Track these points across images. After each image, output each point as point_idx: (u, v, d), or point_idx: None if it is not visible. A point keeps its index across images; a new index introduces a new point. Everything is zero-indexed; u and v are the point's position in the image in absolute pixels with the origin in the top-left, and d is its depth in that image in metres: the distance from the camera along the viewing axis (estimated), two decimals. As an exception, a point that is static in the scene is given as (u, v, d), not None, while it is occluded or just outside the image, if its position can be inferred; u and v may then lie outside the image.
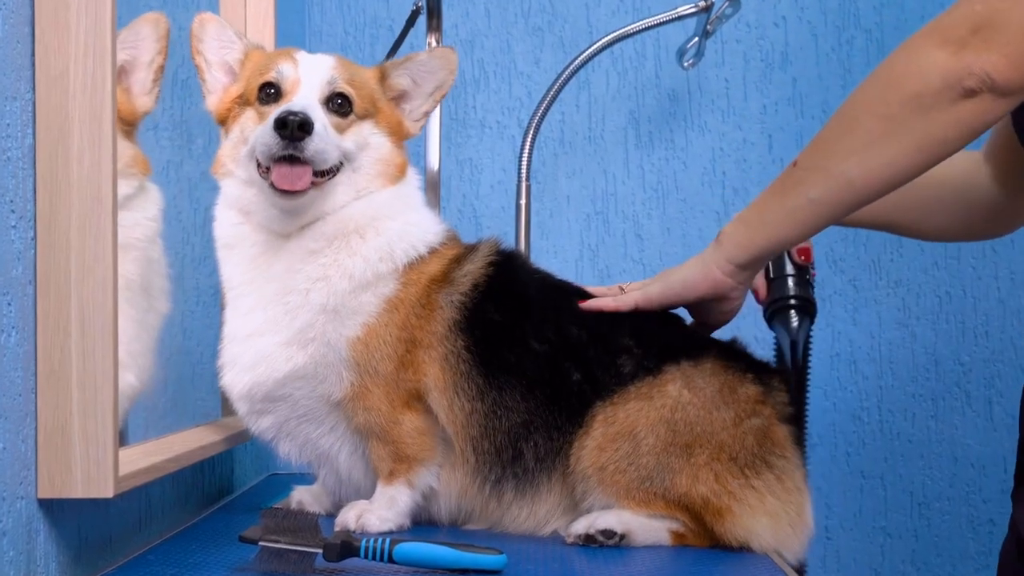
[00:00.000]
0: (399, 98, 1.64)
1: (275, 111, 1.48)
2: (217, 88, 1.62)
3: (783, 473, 1.52)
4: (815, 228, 1.50)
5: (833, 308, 2.63)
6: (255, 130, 1.52)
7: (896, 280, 2.64)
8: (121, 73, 1.52)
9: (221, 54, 1.62)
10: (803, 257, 1.75)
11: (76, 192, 1.22)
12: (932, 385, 2.63)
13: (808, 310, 1.75)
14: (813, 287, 1.77)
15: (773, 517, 1.49)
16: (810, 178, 1.46)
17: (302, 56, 1.58)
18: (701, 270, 1.57)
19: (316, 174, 1.50)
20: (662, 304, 1.62)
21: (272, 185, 1.49)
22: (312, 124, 1.46)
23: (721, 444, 1.50)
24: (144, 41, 1.53)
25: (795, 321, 1.74)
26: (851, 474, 2.65)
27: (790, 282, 1.74)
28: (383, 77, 1.63)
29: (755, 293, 1.78)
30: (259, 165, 1.52)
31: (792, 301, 1.74)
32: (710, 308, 1.61)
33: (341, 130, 1.54)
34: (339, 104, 1.55)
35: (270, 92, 1.55)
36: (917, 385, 2.64)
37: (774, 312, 1.77)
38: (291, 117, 1.45)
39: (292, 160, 1.48)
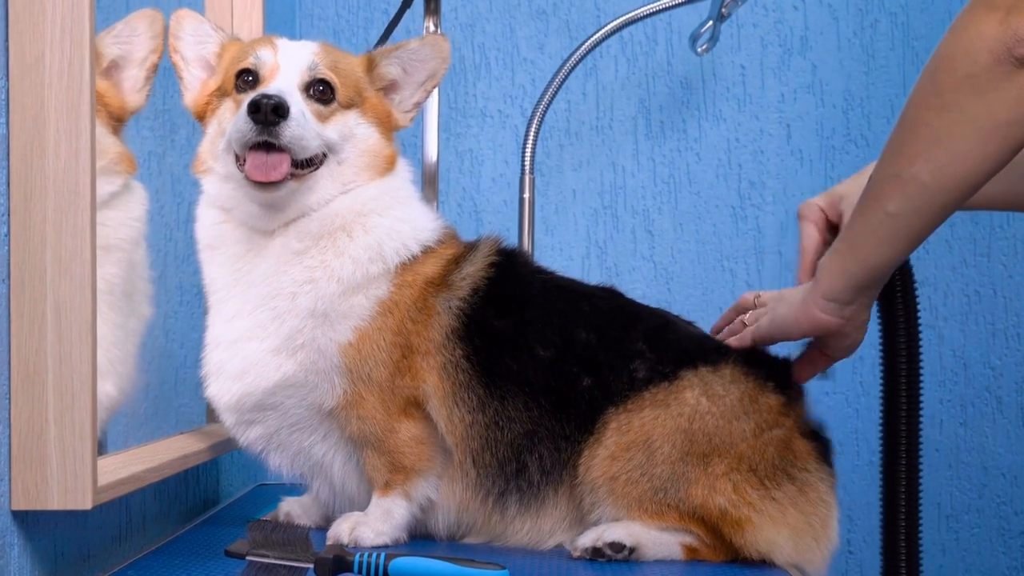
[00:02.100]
0: (388, 88, 1.64)
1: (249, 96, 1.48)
2: (195, 85, 1.63)
3: (806, 485, 1.52)
4: (906, 244, 1.41)
5: (856, 308, 2.63)
6: (232, 120, 1.52)
7: (922, 279, 2.62)
8: (112, 68, 1.54)
9: (198, 50, 1.63)
10: None
11: (52, 186, 1.22)
12: (961, 390, 2.63)
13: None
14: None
15: (795, 529, 1.49)
16: (885, 190, 1.38)
17: (283, 42, 1.58)
18: (803, 311, 1.51)
19: (296, 165, 1.50)
20: (773, 341, 1.59)
21: (247, 177, 1.49)
22: (287, 107, 1.45)
23: (740, 455, 1.50)
24: (139, 37, 1.55)
25: None
26: (875, 485, 2.64)
27: None
28: (371, 66, 1.63)
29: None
30: (237, 158, 1.52)
31: None
32: (826, 343, 1.57)
33: (323, 118, 1.53)
34: (320, 91, 1.55)
35: (248, 79, 1.55)
36: (945, 390, 2.64)
37: None
38: (264, 100, 1.44)
39: (268, 148, 1.47)
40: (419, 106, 1.67)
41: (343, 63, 1.59)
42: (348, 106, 1.57)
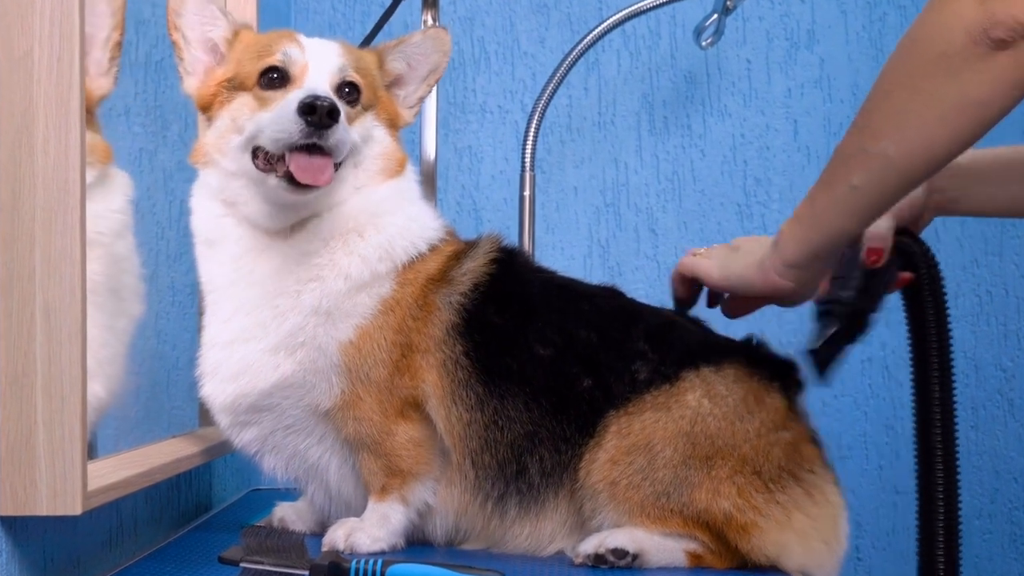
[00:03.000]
0: (393, 83, 1.65)
1: (294, 95, 1.47)
2: (197, 69, 1.61)
3: (812, 488, 1.52)
4: (869, 216, 1.47)
5: (864, 309, 2.63)
6: (253, 117, 1.51)
7: (933, 278, 2.63)
8: None
9: (202, 31, 1.61)
10: (873, 258, 1.66)
11: (41, 183, 1.22)
12: (972, 392, 2.63)
13: (855, 320, 1.65)
14: (875, 296, 1.67)
15: (803, 533, 1.49)
16: (851, 163, 1.43)
17: (306, 40, 1.58)
18: (759, 273, 1.55)
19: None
20: (718, 289, 1.64)
21: (286, 176, 1.47)
22: (339, 112, 1.45)
23: (744, 457, 1.50)
24: (99, 18, 1.51)
25: (833, 331, 1.68)
26: (884, 489, 2.65)
27: (851, 286, 1.65)
28: (381, 62, 1.64)
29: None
30: (256, 156, 1.51)
31: (842, 309, 1.65)
32: (773, 298, 1.60)
33: (350, 120, 1.54)
34: (348, 93, 1.55)
35: (274, 77, 1.53)
36: (956, 392, 2.64)
37: (821, 313, 1.67)
38: (319, 103, 1.43)
39: (311, 150, 1.46)
40: (421, 101, 1.68)
41: (363, 63, 1.60)
42: (368, 108, 1.59)
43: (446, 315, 1.55)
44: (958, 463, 1.67)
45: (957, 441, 1.68)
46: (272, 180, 1.49)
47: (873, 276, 1.66)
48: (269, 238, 1.55)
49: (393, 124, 1.63)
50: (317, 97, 1.44)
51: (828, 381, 1.66)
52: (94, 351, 1.40)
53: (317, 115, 1.44)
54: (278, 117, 1.47)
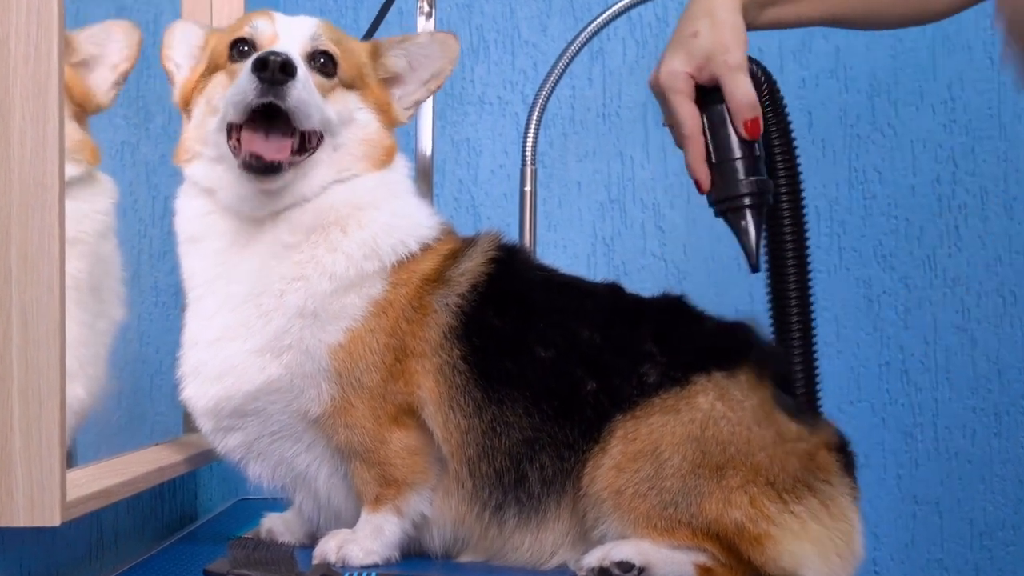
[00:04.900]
0: (391, 81, 1.66)
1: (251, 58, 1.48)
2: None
3: (828, 499, 1.52)
4: None
5: (882, 310, 2.63)
6: (225, 94, 1.52)
7: (954, 278, 2.64)
8: (83, 65, 1.59)
9: (188, 51, 1.66)
10: (754, 129, 1.64)
11: (17, 178, 1.22)
12: (995, 398, 2.63)
13: (762, 203, 1.66)
14: (762, 162, 1.67)
15: (819, 544, 1.50)
16: None
17: (279, 15, 1.60)
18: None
19: (293, 151, 1.50)
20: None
21: (245, 161, 1.48)
22: (295, 66, 1.46)
23: (758, 466, 1.50)
24: (114, 44, 1.61)
25: (751, 225, 1.66)
26: (903, 499, 2.65)
27: (740, 168, 1.64)
28: (376, 53, 1.65)
29: (697, 183, 1.70)
30: (230, 135, 1.52)
31: (746, 200, 1.64)
32: None
33: (324, 92, 1.54)
34: (322, 63, 1.56)
35: (243, 49, 1.56)
36: (978, 398, 2.64)
37: (725, 212, 1.70)
38: (272, 57, 1.44)
39: (270, 120, 1.47)
40: (419, 104, 1.70)
41: (346, 42, 1.62)
42: (349, 86, 1.59)
43: (443, 318, 1.55)
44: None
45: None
46: (237, 166, 1.50)
47: (750, 147, 1.65)
48: (252, 231, 1.56)
49: (385, 114, 1.63)
50: (271, 52, 1.45)
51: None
52: (74, 350, 1.40)
53: (269, 70, 1.44)
54: (239, 80, 1.49)
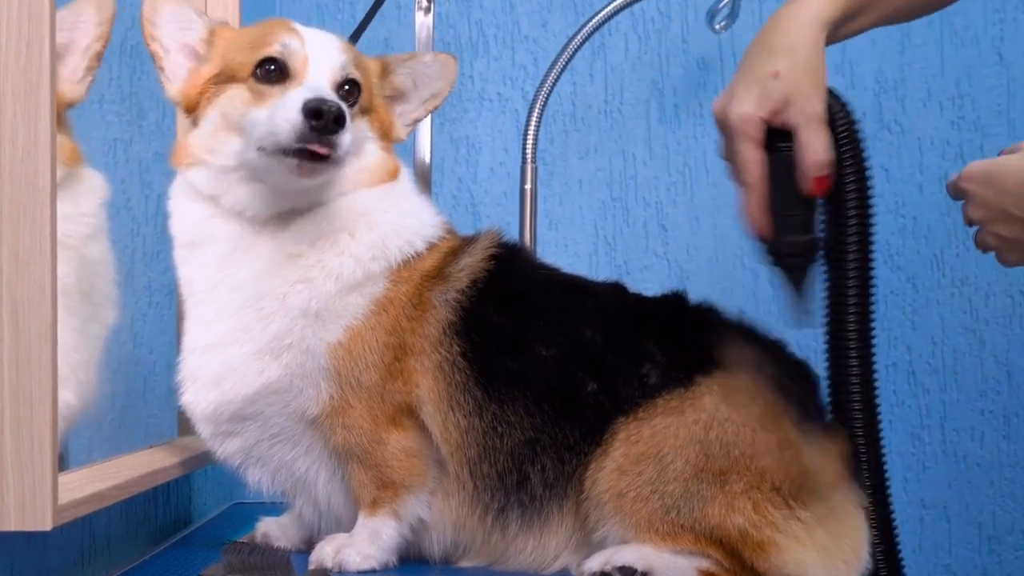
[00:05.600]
0: (396, 98, 1.67)
1: (296, 93, 1.47)
2: (179, 75, 1.62)
3: (835, 505, 1.52)
4: None
5: (889, 310, 2.63)
6: (248, 113, 1.52)
7: (962, 278, 2.64)
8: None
9: (180, 36, 1.62)
10: (822, 187, 1.55)
11: (8, 178, 1.22)
12: (1004, 400, 2.63)
13: (813, 261, 1.59)
14: (818, 215, 1.59)
15: (824, 551, 1.49)
16: None
17: (303, 29, 1.58)
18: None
19: None
20: None
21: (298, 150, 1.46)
22: (346, 118, 1.46)
23: (762, 471, 1.50)
24: (84, 24, 1.55)
25: (802, 283, 1.60)
26: (910, 503, 2.65)
27: (799, 224, 1.57)
28: (384, 72, 1.66)
29: (751, 227, 1.61)
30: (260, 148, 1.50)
31: (799, 260, 1.58)
32: None
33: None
34: (347, 91, 1.56)
35: (271, 69, 1.54)
36: (986, 400, 2.64)
37: (777, 264, 1.62)
38: (326, 108, 1.44)
39: (313, 156, 1.46)
40: (417, 123, 1.71)
41: (363, 64, 1.62)
42: (364, 112, 1.60)
43: (442, 313, 1.56)
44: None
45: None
46: (286, 161, 1.48)
47: (813, 206, 1.57)
48: (254, 237, 1.56)
49: (386, 136, 1.65)
50: (324, 101, 1.44)
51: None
52: (65, 355, 1.40)
53: (324, 120, 1.44)
54: (277, 115, 1.47)
